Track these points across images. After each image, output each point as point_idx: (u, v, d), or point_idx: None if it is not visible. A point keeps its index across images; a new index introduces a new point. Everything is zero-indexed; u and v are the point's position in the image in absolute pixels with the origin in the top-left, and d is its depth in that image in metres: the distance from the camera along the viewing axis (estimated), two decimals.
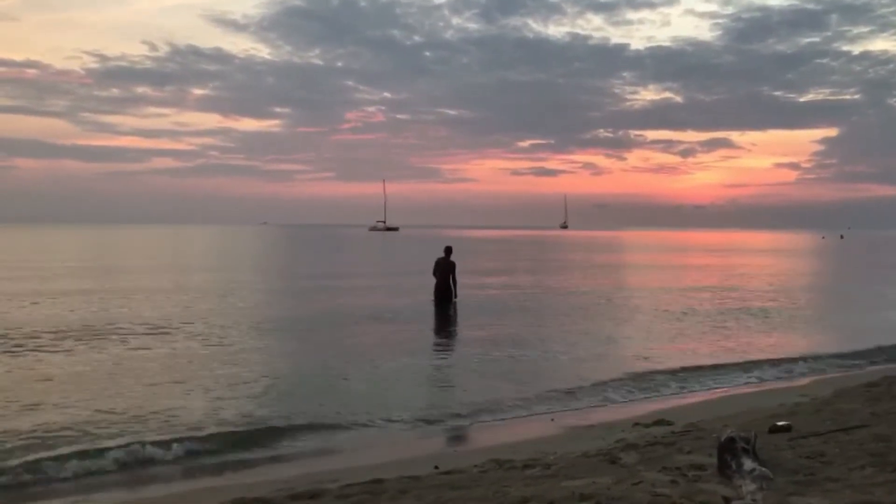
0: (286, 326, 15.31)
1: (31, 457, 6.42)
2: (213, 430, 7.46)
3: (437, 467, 5.97)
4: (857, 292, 25.80)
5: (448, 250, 18.39)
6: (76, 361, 10.73)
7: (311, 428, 7.66)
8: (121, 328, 13.95)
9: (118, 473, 6.37)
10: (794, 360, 11.99)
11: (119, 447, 6.74)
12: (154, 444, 6.90)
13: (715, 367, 11.33)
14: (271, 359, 11.51)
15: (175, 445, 6.94)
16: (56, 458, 6.42)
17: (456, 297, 18.41)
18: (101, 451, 6.62)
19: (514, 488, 4.87)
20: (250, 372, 10.27)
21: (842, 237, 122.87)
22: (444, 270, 18.36)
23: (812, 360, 12.04)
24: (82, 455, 6.53)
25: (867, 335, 14.51)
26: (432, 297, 18.43)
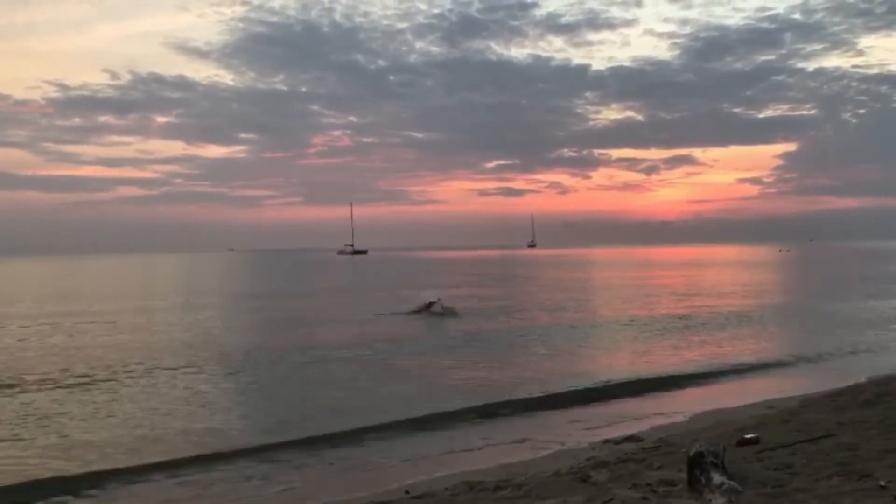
0: (254, 354, 15.12)
1: None
2: (182, 451, 7.35)
3: (407, 492, 5.89)
4: (807, 303, 26.28)
5: None
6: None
7: (279, 451, 7.52)
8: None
9: None
10: (759, 371, 12.16)
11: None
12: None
13: (682, 378, 11.42)
14: (245, 381, 11.31)
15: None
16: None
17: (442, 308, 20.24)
18: None
19: None
20: (224, 392, 10.10)
21: (789, 250, 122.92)
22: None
23: (778, 370, 12.23)
24: None
25: (824, 346, 14.80)
26: (411, 310, 19.93)
